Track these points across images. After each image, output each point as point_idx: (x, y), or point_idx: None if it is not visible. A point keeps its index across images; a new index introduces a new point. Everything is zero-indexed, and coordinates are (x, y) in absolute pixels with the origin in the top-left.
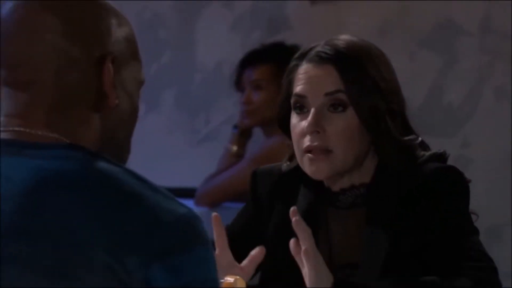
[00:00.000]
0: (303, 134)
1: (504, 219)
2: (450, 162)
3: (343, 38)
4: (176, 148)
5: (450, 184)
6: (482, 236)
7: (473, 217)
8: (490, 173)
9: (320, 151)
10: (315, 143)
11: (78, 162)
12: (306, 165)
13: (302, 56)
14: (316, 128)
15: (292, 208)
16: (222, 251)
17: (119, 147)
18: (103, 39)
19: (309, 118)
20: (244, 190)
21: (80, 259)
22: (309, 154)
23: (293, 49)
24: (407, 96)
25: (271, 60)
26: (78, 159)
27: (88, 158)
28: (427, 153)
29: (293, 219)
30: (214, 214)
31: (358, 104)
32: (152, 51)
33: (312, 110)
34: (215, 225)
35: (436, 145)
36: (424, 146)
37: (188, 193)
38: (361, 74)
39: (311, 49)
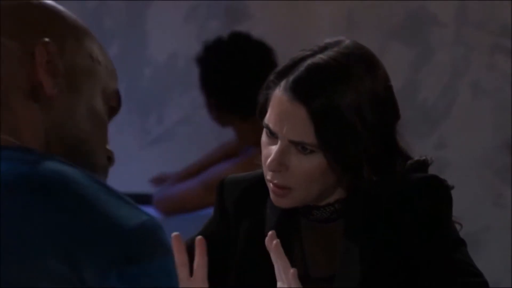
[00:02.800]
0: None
1: (483, 224)
2: None
3: (327, 58)
4: (125, 150)
5: (433, 196)
6: None
7: (457, 226)
8: (468, 176)
9: (281, 188)
10: (275, 181)
11: (28, 163)
12: (270, 192)
13: (282, 75)
14: (278, 168)
15: (270, 232)
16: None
17: (85, 153)
18: (40, 25)
19: (273, 155)
20: (192, 208)
21: (32, 266)
22: (271, 185)
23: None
24: None
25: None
26: (28, 160)
27: (39, 159)
28: (408, 163)
29: (268, 236)
30: (174, 234)
31: (328, 152)
32: None
33: (276, 149)
34: (175, 242)
35: (409, 147)
36: (406, 157)
37: (138, 199)
38: (336, 120)
39: (292, 68)
